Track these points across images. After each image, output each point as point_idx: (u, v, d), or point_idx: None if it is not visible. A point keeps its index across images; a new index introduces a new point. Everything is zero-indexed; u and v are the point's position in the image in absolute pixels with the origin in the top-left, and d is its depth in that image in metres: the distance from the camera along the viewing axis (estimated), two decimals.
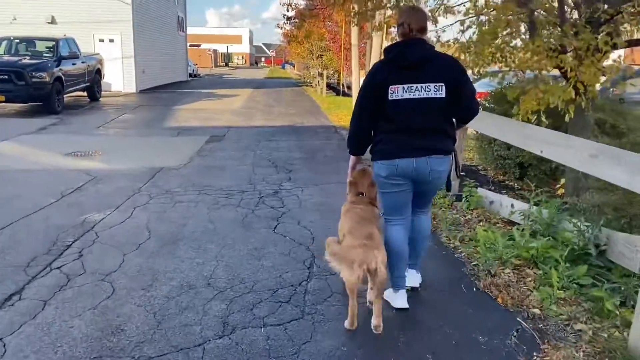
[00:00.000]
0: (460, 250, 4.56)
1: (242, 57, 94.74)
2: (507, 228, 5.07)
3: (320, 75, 24.16)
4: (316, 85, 26.00)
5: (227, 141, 10.70)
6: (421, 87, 3.06)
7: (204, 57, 66.35)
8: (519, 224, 4.95)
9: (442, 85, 3.08)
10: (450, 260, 4.38)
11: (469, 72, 5.57)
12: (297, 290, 3.69)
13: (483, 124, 5.25)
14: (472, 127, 5.58)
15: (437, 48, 5.85)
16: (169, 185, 6.77)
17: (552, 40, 4.77)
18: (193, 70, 40.17)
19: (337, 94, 23.77)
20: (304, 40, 26.23)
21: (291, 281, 3.83)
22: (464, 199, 5.73)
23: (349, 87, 25.10)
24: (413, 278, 3.64)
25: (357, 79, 16.70)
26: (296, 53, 28.79)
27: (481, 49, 5.01)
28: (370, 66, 16.50)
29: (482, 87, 11.41)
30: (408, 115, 3.10)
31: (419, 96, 3.07)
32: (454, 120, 3.31)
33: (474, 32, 5.65)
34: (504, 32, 5.09)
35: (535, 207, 4.75)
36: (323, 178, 7.40)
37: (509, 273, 4.00)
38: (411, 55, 3.11)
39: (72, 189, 6.51)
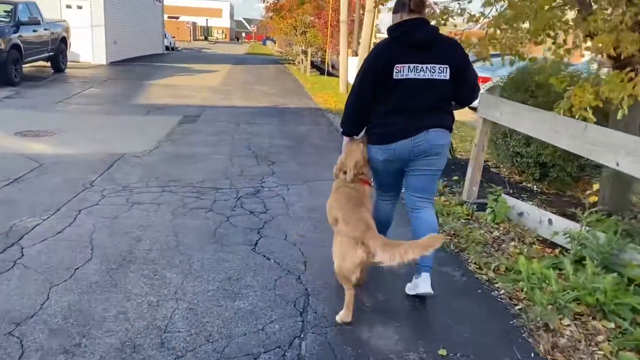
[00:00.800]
0: (497, 285, 3.53)
1: (222, 32, 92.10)
2: (547, 251, 4.06)
3: (304, 52, 22.85)
4: (299, 63, 24.68)
5: (202, 123, 9.51)
6: (426, 67, 3.00)
7: (183, 30, 64.14)
8: (564, 248, 3.95)
9: (446, 67, 3.02)
10: (488, 302, 3.34)
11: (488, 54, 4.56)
12: (287, 355, 2.62)
13: (523, 121, 4.20)
14: (508, 125, 4.53)
15: (465, 22, 4.80)
16: (128, 179, 5.61)
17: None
18: (170, 43, 38.50)
19: (322, 73, 22.51)
20: (287, 15, 24.86)
21: (278, 338, 2.75)
22: (488, 210, 4.71)
23: (334, 67, 23.90)
24: (426, 283, 3.18)
25: (344, 58, 15.52)
26: (279, 28, 27.32)
27: (521, 26, 3.93)
28: (359, 45, 15.43)
29: (482, 71, 10.42)
30: (409, 95, 3.03)
31: (424, 77, 3.00)
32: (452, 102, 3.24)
33: (502, 6, 4.60)
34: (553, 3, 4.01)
35: (585, 228, 3.76)
36: (312, 173, 6.32)
37: (570, 326, 2.98)
38: (419, 34, 3.03)
39: (9, 180, 5.31)
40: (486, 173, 6.80)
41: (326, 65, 21.75)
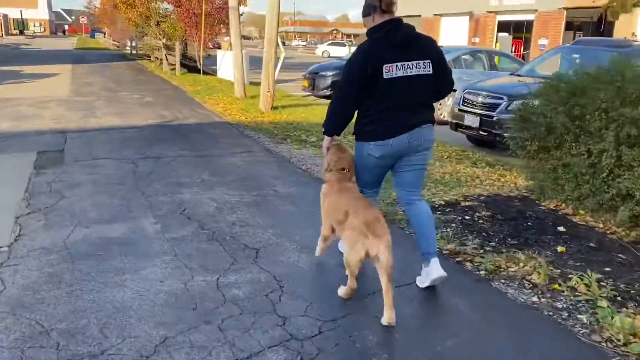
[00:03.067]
0: None
1: (41, 25, 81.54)
2: None
3: (167, 47, 19.03)
4: (157, 59, 20.76)
5: (73, 164, 6.04)
6: (412, 64, 3.12)
7: None
8: None
9: (429, 62, 3.16)
10: None
11: None
12: None
13: None
14: None
15: None
16: None
17: None
18: None
19: (189, 70, 19.00)
20: (137, 2, 20.77)
21: None
22: None
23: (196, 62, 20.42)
24: (437, 268, 3.27)
25: (239, 55, 12.38)
26: (127, 18, 22.96)
27: None
28: (238, 38, 12.61)
29: None
30: (401, 92, 3.12)
31: (411, 73, 3.12)
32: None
33: None
34: None
35: None
36: (339, 268, 3.45)
37: None
38: (401, 34, 3.12)
39: None
40: (547, 224, 4.51)
41: (200, 63, 18.22)
